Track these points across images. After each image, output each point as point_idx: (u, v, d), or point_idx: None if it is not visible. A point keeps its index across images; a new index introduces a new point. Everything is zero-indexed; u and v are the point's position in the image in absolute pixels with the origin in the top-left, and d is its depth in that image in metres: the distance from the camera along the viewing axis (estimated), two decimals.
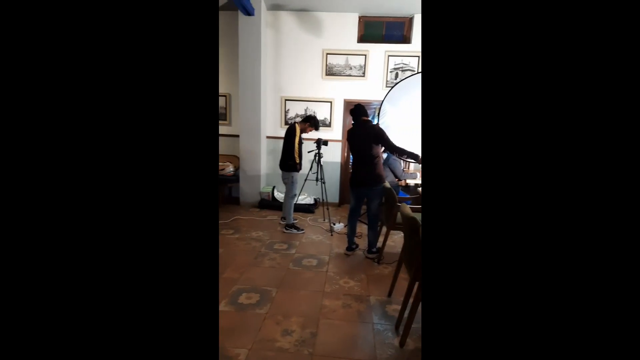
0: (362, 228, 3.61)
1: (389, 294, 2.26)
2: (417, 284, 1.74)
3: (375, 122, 3.74)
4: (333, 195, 4.70)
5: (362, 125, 2.80)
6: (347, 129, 4.56)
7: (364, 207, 2.99)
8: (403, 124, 3.47)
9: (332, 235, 3.50)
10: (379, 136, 2.70)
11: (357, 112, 2.84)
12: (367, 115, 2.86)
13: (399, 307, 2.08)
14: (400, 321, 1.89)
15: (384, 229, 2.96)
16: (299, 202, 4.37)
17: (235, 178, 4.63)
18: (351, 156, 4.72)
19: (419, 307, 1.71)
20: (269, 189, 4.52)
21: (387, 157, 3.70)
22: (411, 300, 1.75)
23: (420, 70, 4.11)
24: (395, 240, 3.35)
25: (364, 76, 4.32)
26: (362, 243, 3.26)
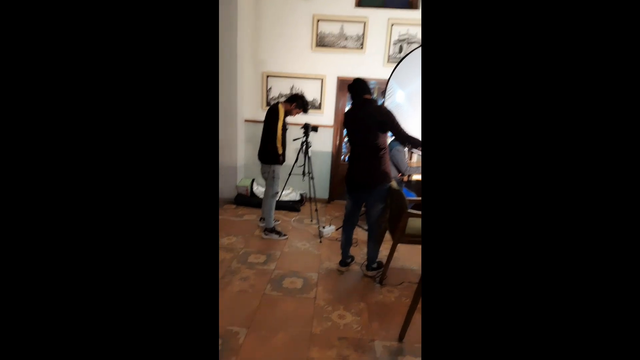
0: (358, 233, 2.99)
1: (400, 337, 1.66)
2: None
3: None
4: (322, 190, 4.05)
5: (363, 106, 2.13)
6: (342, 111, 3.94)
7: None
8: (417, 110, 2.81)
9: (320, 241, 2.87)
10: (387, 121, 2.05)
11: (357, 88, 2.17)
12: (369, 93, 2.19)
13: None
14: None
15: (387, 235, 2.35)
16: (282, 198, 3.71)
17: None
18: (345, 145, 4.10)
19: None
20: (247, 183, 3.83)
21: (390, 147, 3.06)
22: None
23: None
24: (402, 252, 2.73)
25: (361, 48, 3.62)
26: (359, 253, 2.65)
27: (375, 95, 3.60)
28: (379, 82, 3.62)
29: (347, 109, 3.80)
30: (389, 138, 2.34)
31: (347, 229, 2.37)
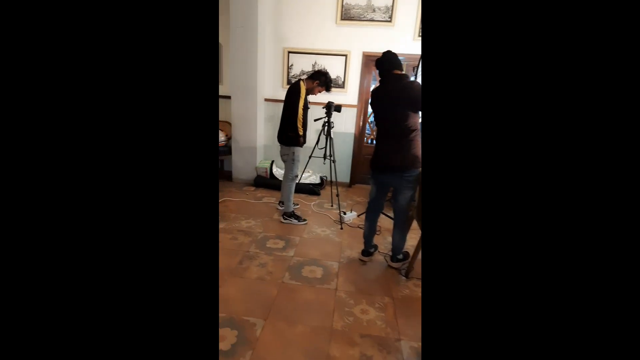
0: (381, 221, 2.84)
1: None
2: None
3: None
4: (343, 173, 3.89)
5: (393, 83, 1.92)
6: (367, 90, 3.70)
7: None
8: None
9: (341, 228, 2.74)
10: (419, 99, 1.83)
11: (387, 62, 1.96)
12: (400, 68, 1.97)
13: None
14: None
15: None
16: (302, 181, 3.58)
17: (227, 149, 3.83)
18: (368, 126, 3.88)
19: None
20: (267, 164, 3.72)
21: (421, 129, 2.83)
22: None
23: None
24: None
25: (390, 21, 3.34)
26: (382, 242, 2.50)
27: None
28: (408, 58, 3.35)
29: (372, 87, 3.55)
30: (421, 118, 2.13)
31: (370, 216, 2.21)
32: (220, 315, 1.58)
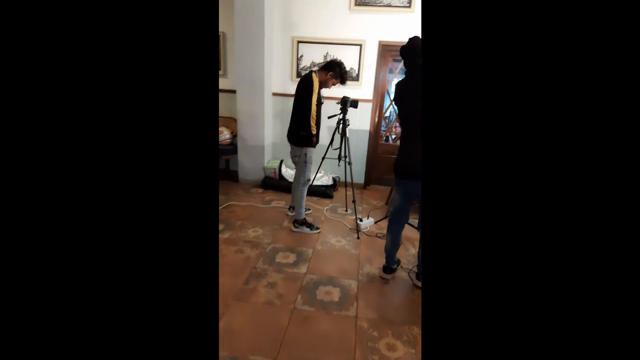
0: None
1: None
2: None
3: None
4: (358, 174, 3.60)
5: (419, 75, 1.63)
6: (382, 83, 3.40)
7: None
8: None
9: (358, 238, 2.48)
10: None
11: (412, 50, 1.66)
12: None
13: None
14: None
15: None
16: (313, 182, 3.32)
17: (232, 148, 3.58)
18: (384, 122, 3.57)
19: None
20: (275, 164, 3.47)
21: None
22: None
23: None
24: None
25: (409, 7, 3.01)
26: (404, 254, 2.24)
27: None
28: None
29: (389, 79, 3.23)
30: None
31: (394, 228, 1.94)
32: (221, 354, 1.34)
